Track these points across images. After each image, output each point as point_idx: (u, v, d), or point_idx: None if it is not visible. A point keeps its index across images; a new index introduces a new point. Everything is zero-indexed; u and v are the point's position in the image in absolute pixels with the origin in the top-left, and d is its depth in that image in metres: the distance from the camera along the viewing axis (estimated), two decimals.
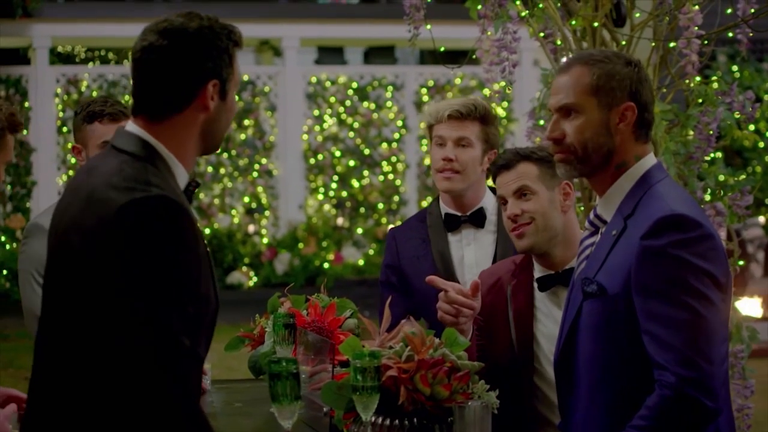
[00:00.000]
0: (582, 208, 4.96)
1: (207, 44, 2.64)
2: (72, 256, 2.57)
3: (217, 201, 15.27)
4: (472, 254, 4.15)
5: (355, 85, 15.61)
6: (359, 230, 15.50)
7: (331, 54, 17.12)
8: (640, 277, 2.84)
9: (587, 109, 2.96)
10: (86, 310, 2.52)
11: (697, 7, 4.47)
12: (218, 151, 14.93)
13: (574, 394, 3.01)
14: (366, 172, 15.59)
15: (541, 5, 4.71)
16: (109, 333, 2.49)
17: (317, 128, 15.50)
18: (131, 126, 2.68)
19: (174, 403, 2.48)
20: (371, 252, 15.25)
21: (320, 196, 15.47)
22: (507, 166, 3.69)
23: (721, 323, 2.83)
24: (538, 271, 3.71)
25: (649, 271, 2.83)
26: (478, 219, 4.16)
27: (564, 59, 4.89)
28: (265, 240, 15.16)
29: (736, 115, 4.59)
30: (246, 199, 15.31)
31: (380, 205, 15.59)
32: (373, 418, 3.12)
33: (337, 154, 15.49)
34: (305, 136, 15.46)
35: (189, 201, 2.67)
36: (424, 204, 15.41)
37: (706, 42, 4.59)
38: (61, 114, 14.72)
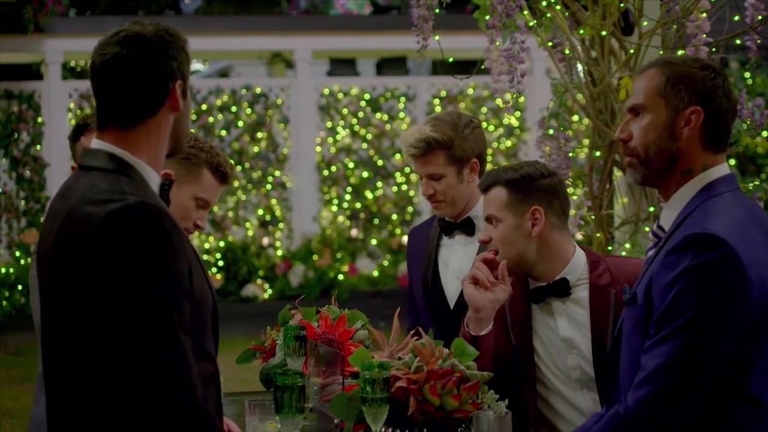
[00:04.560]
0: (593, 217, 4.96)
1: (169, 46, 2.70)
2: (63, 277, 2.61)
3: (231, 214, 15.28)
4: (458, 260, 4.21)
5: (367, 96, 15.62)
6: (373, 241, 15.50)
7: (343, 66, 17.14)
8: (655, 289, 2.82)
9: (654, 110, 2.91)
10: (85, 323, 2.56)
11: (704, 14, 4.48)
12: (232, 164, 14.98)
13: (617, 388, 3.00)
14: (379, 183, 15.59)
15: (548, 15, 4.72)
16: (108, 341, 2.52)
17: (330, 140, 15.51)
18: (96, 143, 2.71)
19: (176, 398, 2.52)
20: (386, 263, 15.25)
21: (334, 208, 15.48)
22: (484, 190, 3.72)
23: (714, 356, 2.74)
24: (530, 284, 3.73)
25: (661, 287, 2.79)
26: (466, 227, 4.20)
27: (572, 69, 4.90)
28: (279, 252, 15.16)
29: (746, 123, 4.59)
30: (260, 212, 15.33)
31: (394, 216, 15.58)
32: (382, 429, 3.13)
33: (351, 165, 15.50)
34: (318, 148, 15.47)
35: (166, 201, 2.71)
36: None
37: (714, 49, 4.59)
38: None
